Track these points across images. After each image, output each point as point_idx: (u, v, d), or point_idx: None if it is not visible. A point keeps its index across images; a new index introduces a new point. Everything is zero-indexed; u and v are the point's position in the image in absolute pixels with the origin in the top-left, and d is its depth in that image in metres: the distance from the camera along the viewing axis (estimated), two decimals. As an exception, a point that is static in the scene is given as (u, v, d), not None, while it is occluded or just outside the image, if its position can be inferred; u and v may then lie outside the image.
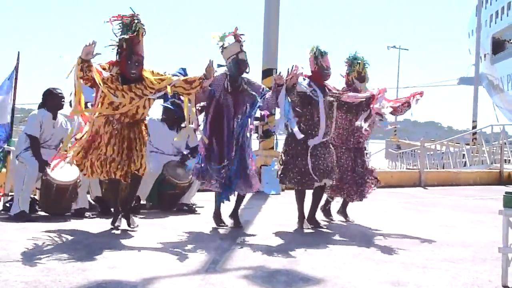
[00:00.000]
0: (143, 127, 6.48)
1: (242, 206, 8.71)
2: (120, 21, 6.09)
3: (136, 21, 6.12)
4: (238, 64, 6.59)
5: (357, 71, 7.49)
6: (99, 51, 5.84)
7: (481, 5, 40.09)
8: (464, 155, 25.14)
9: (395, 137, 51.96)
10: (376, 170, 7.83)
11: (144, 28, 6.18)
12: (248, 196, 10.02)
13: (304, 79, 6.98)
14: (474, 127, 31.28)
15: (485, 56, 48.89)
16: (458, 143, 28.25)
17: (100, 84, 5.86)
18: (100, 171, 6.23)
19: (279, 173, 7.07)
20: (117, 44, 6.12)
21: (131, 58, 6.11)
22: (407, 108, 7.29)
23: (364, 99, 7.07)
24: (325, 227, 7.21)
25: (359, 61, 7.52)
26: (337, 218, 7.77)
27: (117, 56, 6.18)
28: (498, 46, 48.21)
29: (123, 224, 6.53)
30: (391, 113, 7.05)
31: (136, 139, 6.35)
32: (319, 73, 6.98)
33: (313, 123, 6.84)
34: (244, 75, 6.71)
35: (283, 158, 7.01)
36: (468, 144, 27.61)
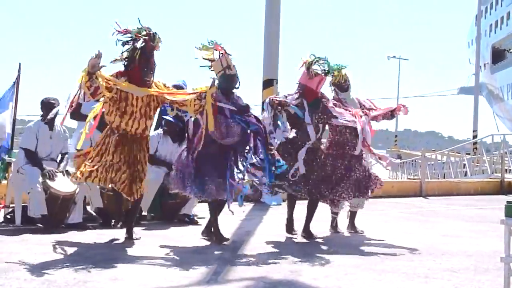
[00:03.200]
0: (145, 144, 6.51)
1: (243, 217, 8.75)
2: (130, 34, 6.12)
3: (153, 32, 6.18)
4: (226, 79, 6.51)
5: (336, 82, 7.43)
6: (104, 61, 5.90)
7: (481, 15, 40.22)
8: (465, 164, 25.14)
9: (396, 146, 52.06)
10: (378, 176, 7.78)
11: (161, 41, 6.24)
12: (249, 207, 10.04)
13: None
14: (474, 137, 31.28)
15: (485, 66, 49.07)
16: (459, 153, 28.26)
17: (114, 84, 5.95)
18: (103, 177, 6.18)
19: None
20: (130, 53, 6.15)
21: (148, 65, 6.16)
22: (390, 118, 7.43)
23: (350, 123, 7.02)
24: (321, 238, 7.19)
25: (337, 72, 7.45)
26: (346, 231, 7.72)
27: (127, 66, 6.20)
28: (497, 55, 48.40)
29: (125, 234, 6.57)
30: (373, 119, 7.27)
31: (140, 156, 6.38)
32: (315, 96, 6.92)
33: (303, 137, 6.85)
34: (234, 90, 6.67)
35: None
36: (468, 154, 27.62)
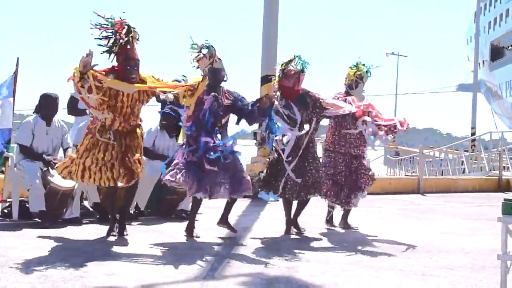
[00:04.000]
0: (139, 133, 6.48)
1: (240, 213, 8.74)
2: (107, 30, 6.06)
3: (126, 26, 6.08)
4: (214, 72, 6.50)
5: (352, 78, 7.54)
6: (95, 59, 5.83)
7: (480, 12, 40.17)
8: (463, 162, 25.13)
9: (394, 143, 51.91)
10: (374, 174, 7.86)
11: (136, 32, 6.16)
12: (246, 203, 10.04)
13: (276, 93, 6.92)
14: (473, 134, 31.24)
15: (483, 63, 48.98)
16: (457, 150, 28.26)
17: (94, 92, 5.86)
18: (99, 177, 6.21)
19: (261, 180, 7.09)
20: (109, 50, 6.08)
21: (129, 63, 6.10)
22: (394, 131, 7.53)
23: (349, 112, 7.08)
24: (317, 235, 7.21)
25: (358, 68, 7.54)
26: (338, 226, 7.74)
27: (114, 59, 6.15)
28: (496, 52, 48.32)
29: (133, 233, 6.57)
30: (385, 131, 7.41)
31: (132, 146, 6.35)
32: (295, 93, 6.93)
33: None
34: (223, 84, 6.64)
35: (269, 165, 7.09)
36: (467, 151, 27.60)
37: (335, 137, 7.47)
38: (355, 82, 7.55)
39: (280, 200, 7.26)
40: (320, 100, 6.98)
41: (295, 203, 7.09)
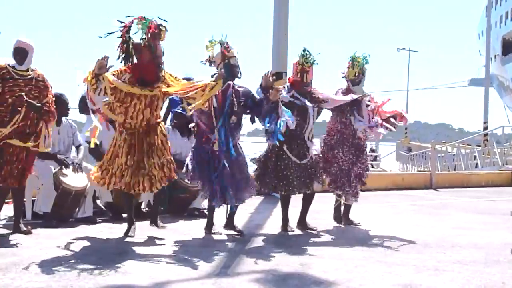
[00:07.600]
0: (161, 131, 6.45)
1: (252, 210, 8.74)
2: (141, 24, 6.07)
3: (161, 26, 6.09)
4: (230, 68, 6.45)
5: (353, 74, 7.46)
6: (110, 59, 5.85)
7: (491, 6, 39.96)
8: (475, 156, 24.98)
9: (406, 139, 51.91)
10: (368, 173, 7.83)
11: (163, 30, 6.14)
12: (258, 200, 10.04)
13: (285, 87, 6.94)
14: (485, 129, 31.07)
15: (495, 57, 48.72)
16: (469, 145, 28.10)
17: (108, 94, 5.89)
18: (118, 181, 6.22)
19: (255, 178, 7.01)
20: (133, 47, 6.10)
21: (156, 61, 6.12)
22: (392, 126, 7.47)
23: (346, 102, 7.12)
24: (329, 231, 7.21)
25: (356, 63, 7.47)
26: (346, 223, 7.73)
27: (130, 59, 6.15)
28: (508, 47, 48.10)
29: (146, 231, 6.58)
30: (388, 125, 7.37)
31: (153, 145, 6.33)
32: (300, 85, 6.96)
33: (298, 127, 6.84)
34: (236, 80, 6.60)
35: (261, 161, 7.02)
36: (479, 146, 27.45)
37: (337, 127, 7.43)
38: (358, 78, 7.48)
39: (292, 197, 7.20)
40: (314, 94, 7.00)
41: (296, 202, 7.07)
